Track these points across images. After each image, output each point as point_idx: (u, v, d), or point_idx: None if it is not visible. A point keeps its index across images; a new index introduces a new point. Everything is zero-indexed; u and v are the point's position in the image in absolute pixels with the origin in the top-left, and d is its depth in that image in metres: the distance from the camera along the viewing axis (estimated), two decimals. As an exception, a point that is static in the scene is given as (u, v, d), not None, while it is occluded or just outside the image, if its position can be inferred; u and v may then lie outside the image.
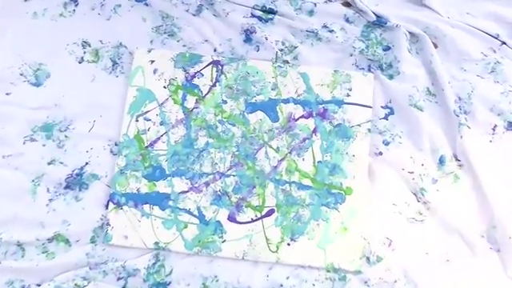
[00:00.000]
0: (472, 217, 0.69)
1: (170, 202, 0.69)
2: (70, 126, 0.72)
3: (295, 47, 0.76)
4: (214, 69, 0.74)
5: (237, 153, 0.71)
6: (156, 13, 0.78)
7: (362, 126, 0.72)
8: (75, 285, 0.65)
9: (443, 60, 0.76)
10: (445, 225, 0.69)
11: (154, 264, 0.66)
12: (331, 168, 0.70)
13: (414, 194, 0.70)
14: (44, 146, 0.71)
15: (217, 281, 0.66)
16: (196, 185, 0.69)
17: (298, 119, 0.72)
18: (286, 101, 0.73)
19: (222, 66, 0.74)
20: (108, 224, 0.68)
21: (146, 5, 0.78)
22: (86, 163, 0.71)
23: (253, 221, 0.68)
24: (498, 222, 0.68)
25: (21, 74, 0.74)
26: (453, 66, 0.76)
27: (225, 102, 0.73)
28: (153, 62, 0.74)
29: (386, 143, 0.72)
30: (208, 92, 0.73)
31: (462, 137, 0.71)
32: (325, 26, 0.78)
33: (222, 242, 0.67)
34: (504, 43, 0.77)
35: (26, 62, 0.75)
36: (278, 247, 0.67)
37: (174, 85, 0.73)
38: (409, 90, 0.74)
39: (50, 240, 0.67)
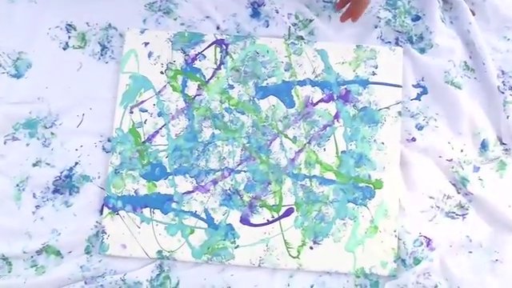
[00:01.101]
0: (524, 209, 0.66)
1: (174, 205, 0.66)
2: (56, 122, 0.69)
3: (310, 21, 0.73)
4: (218, 49, 0.71)
5: (247, 145, 0.68)
6: (149, -12, 0.75)
7: (391, 108, 0.68)
8: (69, 302, 0.63)
9: (483, 29, 0.71)
10: (491, 219, 0.65)
11: (158, 276, 0.64)
12: (357, 158, 0.67)
13: (454, 185, 0.67)
14: (28, 145, 0.69)
15: (230, 292, 0.65)
16: (202, 183, 0.67)
17: (316, 103, 0.69)
18: (303, 83, 0.69)
19: (226, 45, 0.71)
20: (103, 232, 0.65)
21: (137, -21, 0.77)
22: (76, 163, 0.68)
23: (269, 222, 0.66)
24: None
25: (-2, 65, 0.73)
26: (494, 36, 0.72)
27: (232, 86, 0.70)
28: (147, 44, 0.71)
29: (420, 127, 0.69)
30: (212, 76, 0.70)
31: (508, 117, 0.67)
32: (344, -5, 0.75)
33: (235, 247, 0.65)
34: (555, 6, 0.73)
35: (3, 51, 0.71)
36: (299, 252, 0.65)
37: (172, 69, 0.70)
38: (444, 65, 0.69)
39: (38, 252, 0.65)
